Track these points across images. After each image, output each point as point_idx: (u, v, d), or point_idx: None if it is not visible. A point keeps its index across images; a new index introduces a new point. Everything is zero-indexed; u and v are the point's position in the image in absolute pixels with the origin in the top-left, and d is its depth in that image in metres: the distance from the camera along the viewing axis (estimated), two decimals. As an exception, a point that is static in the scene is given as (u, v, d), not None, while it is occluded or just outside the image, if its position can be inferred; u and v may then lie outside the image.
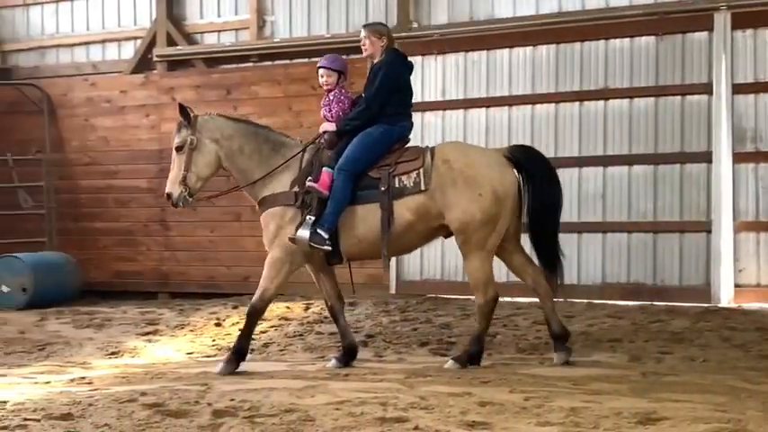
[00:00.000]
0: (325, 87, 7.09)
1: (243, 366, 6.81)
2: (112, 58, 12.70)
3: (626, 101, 9.60)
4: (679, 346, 7.38)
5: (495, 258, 6.88)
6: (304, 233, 6.65)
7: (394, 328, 8.47)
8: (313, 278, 7.26)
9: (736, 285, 9.10)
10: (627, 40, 9.61)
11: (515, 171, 6.85)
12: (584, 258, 9.71)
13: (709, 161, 9.22)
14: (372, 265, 10.11)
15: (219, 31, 12.02)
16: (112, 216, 12.16)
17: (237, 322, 8.77)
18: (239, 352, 6.83)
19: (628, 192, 9.58)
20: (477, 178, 6.69)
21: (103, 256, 12.25)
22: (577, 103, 9.81)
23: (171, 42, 12.08)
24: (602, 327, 8.19)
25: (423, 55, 10.45)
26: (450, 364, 6.74)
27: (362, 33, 7.05)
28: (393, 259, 10.29)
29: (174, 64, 12.19)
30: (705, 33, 9.27)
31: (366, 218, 6.75)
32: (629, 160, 9.57)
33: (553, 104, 9.93)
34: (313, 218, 6.67)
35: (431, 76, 10.49)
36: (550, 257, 6.91)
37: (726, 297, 9.06)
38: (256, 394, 5.59)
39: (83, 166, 12.42)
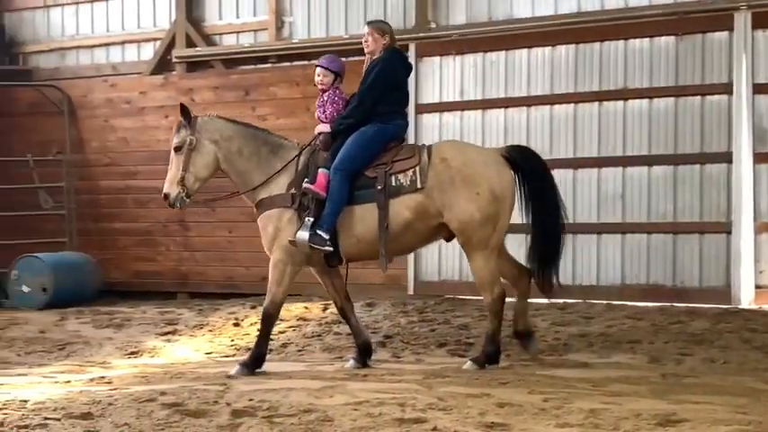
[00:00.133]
0: (319, 87, 7.10)
1: (261, 366, 6.82)
2: (132, 59, 12.76)
3: (645, 101, 9.55)
4: (699, 347, 7.33)
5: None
6: (303, 235, 6.66)
7: (412, 329, 8.46)
8: (319, 280, 7.24)
9: (757, 287, 9.03)
10: (646, 40, 9.56)
11: (512, 170, 6.84)
12: (603, 259, 9.67)
13: (730, 161, 9.15)
14: (390, 266, 10.09)
15: (238, 32, 12.05)
16: (132, 216, 12.21)
17: (256, 322, 8.78)
18: (258, 357, 6.85)
19: (647, 192, 9.53)
20: (475, 177, 6.68)
21: (123, 256, 12.32)
22: (596, 104, 9.76)
23: (190, 44, 12.13)
24: (621, 328, 8.15)
25: (441, 55, 10.45)
26: (468, 365, 6.73)
27: (366, 30, 7.06)
28: (411, 260, 10.34)
29: (193, 65, 12.24)
30: (725, 33, 9.20)
31: (364, 217, 6.75)
32: (648, 161, 9.52)
33: (572, 105, 9.89)
34: (312, 219, 6.68)
35: (449, 77, 10.47)
36: (547, 257, 6.89)
37: (746, 298, 9.00)
38: (275, 394, 5.61)
39: (102, 167, 12.49)
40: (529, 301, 7.23)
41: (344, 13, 11.18)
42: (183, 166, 6.93)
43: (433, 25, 10.66)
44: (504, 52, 10.19)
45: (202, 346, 8.56)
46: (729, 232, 9.11)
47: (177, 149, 6.97)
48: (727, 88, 9.16)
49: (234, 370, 6.74)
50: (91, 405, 5.32)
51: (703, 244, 9.27)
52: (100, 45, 12.93)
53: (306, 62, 11.39)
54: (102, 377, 6.74)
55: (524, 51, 10.10)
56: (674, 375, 6.42)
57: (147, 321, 9.75)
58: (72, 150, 12.56)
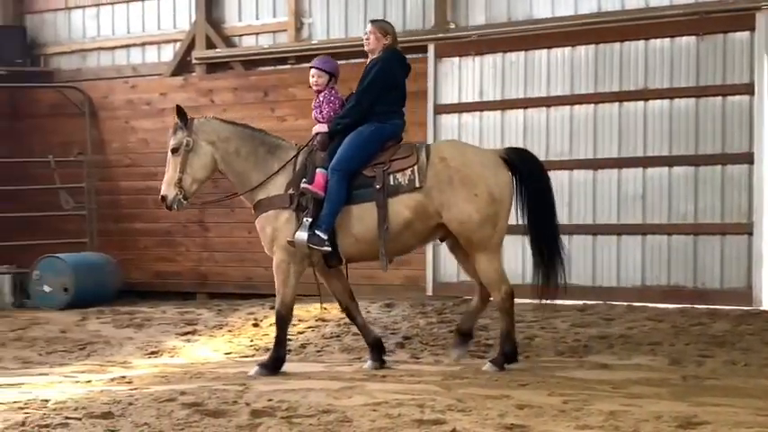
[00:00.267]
0: (314, 88, 7.12)
1: (281, 369, 6.83)
2: (152, 60, 12.83)
3: (666, 101, 9.50)
4: (720, 349, 7.29)
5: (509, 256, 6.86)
6: (302, 235, 6.65)
7: (431, 330, 8.45)
8: (322, 280, 7.22)
9: (779, 288, 8.97)
10: (667, 40, 9.50)
11: (510, 172, 6.83)
12: (623, 261, 9.63)
13: (751, 162, 9.08)
14: (409, 267, 10.13)
15: (257, 33, 12.09)
16: (152, 217, 12.27)
17: (275, 323, 8.80)
18: (277, 359, 6.86)
19: (668, 193, 9.47)
20: (473, 178, 6.68)
21: (144, 256, 12.38)
22: (617, 104, 9.72)
23: (210, 45, 12.18)
24: (642, 330, 8.11)
25: (460, 56, 10.43)
26: (487, 366, 6.72)
27: (368, 28, 7.06)
28: (429, 261, 10.33)
29: (213, 66, 12.29)
30: (747, 33, 9.13)
31: (363, 217, 6.73)
32: (669, 161, 9.46)
33: (592, 105, 9.84)
34: (310, 219, 6.67)
35: (468, 77, 10.46)
36: (547, 259, 6.87)
37: (768, 300, 8.94)
38: (294, 395, 5.62)
39: (123, 168, 12.56)
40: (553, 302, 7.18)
41: (364, 14, 11.17)
42: (180, 167, 6.91)
43: (453, 26, 10.65)
44: (523, 52, 10.16)
45: (222, 346, 8.58)
46: (751, 233, 9.05)
47: (174, 151, 6.96)
48: (748, 88, 9.10)
49: (253, 371, 6.76)
50: (111, 405, 5.35)
51: (724, 245, 9.20)
52: (120, 46, 13.01)
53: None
54: (123, 377, 6.78)
55: (544, 52, 10.07)
56: (694, 377, 6.38)
57: (166, 321, 9.80)
58: (93, 151, 12.63)
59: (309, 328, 8.97)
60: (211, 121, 7.15)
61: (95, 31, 13.19)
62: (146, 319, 9.92)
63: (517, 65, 10.21)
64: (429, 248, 10.09)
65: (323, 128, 6.94)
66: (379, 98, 6.83)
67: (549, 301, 7.01)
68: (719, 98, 9.26)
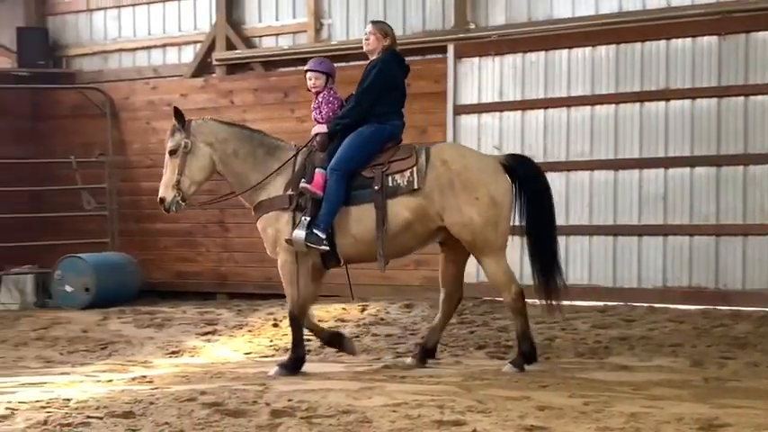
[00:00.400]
0: (313, 90, 7.12)
1: (301, 369, 6.85)
2: (173, 62, 12.89)
3: (688, 101, 9.44)
4: (742, 351, 7.23)
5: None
6: (300, 234, 6.66)
7: (451, 331, 8.42)
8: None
9: (802, 289, 8.90)
10: (689, 39, 9.44)
11: (509, 178, 6.84)
12: (644, 261, 9.58)
13: (774, 162, 9.03)
14: (428, 267, 10.10)
15: (277, 34, 12.12)
16: (173, 217, 12.13)
17: (289, 324, 8.82)
18: (297, 360, 6.87)
19: (690, 194, 9.41)
20: (474, 182, 6.68)
21: (164, 256, 12.44)
22: (638, 104, 9.67)
23: (230, 46, 12.22)
24: (663, 331, 8.06)
25: (480, 56, 10.41)
26: (507, 368, 6.70)
27: (368, 29, 7.06)
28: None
29: (233, 67, 12.33)
30: (769, 32, 9.08)
31: (361, 217, 6.73)
32: (691, 162, 9.41)
33: (613, 105, 9.80)
34: (308, 218, 6.67)
35: (488, 78, 10.43)
36: (547, 260, 6.85)
37: (791, 301, 8.86)
38: (314, 395, 5.62)
39: (144, 169, 12.61)
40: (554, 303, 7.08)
41: (383, 15, 11.16)
42: (178, 169, 6.91)
43: (473, 26, 10.63)
44: (543, 53, 10.13)
45: (242, 346, 8.61)
46: (774, 234, 8.99)
47: (172, 153, 6.95)
48: (770, 88, 9.03)
49: (273, 371, 6.77)
50: (132, 404, 5.37)
51: (746, 246, 9.14)
52: (141, 48, 13.08)
53: (345, 64, 11.38)
54: (144, 376, 6.81)
55: (565, 52, 10.03)
56: (716, 379, 6.34)
57: (187, 321, 9.84)
58: (114, 152, 12.71)
59: (329, 328, 8.95)
60: (209, 123, 7.14)
61: (117, 32, 13.27)
62: (166, 319, 9.96)
63: (537, 65, 10.18)
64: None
65: (322, 128, 6.95)
66: (378, 99, 6.83)
67: (552, 303, 6.92)
68: (741, 98, 9.19)
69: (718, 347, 7.36)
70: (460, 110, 10.52)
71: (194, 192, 7.06)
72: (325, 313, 9.56)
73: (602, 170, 9.83)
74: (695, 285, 9.36)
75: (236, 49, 12.19)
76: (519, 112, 10.26)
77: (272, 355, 8.04)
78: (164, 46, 12.93)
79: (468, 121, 10.50)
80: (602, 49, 9.85)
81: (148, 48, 13.04)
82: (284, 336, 8.75)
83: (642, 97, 9.64)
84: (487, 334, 8.32)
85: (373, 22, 7.19)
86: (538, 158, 10.05)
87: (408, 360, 7.07)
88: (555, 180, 9.99)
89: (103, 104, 12.78)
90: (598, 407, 5.23)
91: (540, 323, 8.59)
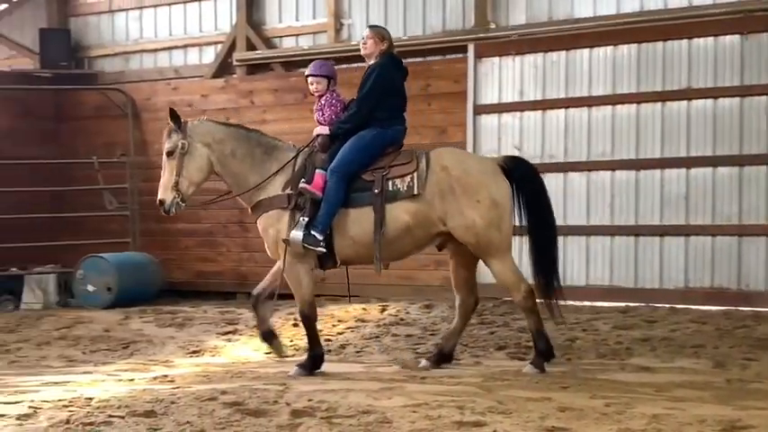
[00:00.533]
0: (315, 94, 7.13)
1: (320, 367, 6.86)
2: (194, 62, 12.94)
3: (710, 101, 9.38)
4: (765, 352, 7.17)
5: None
6: (297, 234, 6.66)
7: (470, 332, 8.41)
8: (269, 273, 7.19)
9: (825, 290, 8.82)
10: (711, 39, 9.38)
11: (507, 179, 6.83)
12: (666, 262, 9.52)
13: (797, 162, 8.96)
14: (447, 268, 10.06)
15: (297, 35, 12.14)
16: (193, 217, 12.37)
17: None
18: (314, 358, 6.88)
19: (712, 194, 9.36)
20: (474, 185, 6.69)
21: (185, 256, 12.50)
22: (660, 104, 9.62)
23: (250, 47, 12.25)
24: (685, 332, 8.02)
25: (500, 56, 10.39)
26: (528, 368, 6.68)
27: (366, 33, 7.08)
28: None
29: (254, 68, 12.36)
30: (792, 31, 9.00)
31: (360, 220, 6.73)
32: (713, 162, 9.34)
33: (634, 105, 9.75)
34: (307, 219, 6.67)
35: (508, 77, 10.41)
36: (548, 260, 6.84)
37: (814, 302, 8.78)
38: (334, 395, 5.63)
39: (165, 169, 12.66)
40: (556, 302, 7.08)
41: (403, 15, 11.17)
42: (176, 170, 6.91)
43: (493, 25, 10.60)
44: (564, 52, 10.10)
45: (262, 346, 8.61)
46: (797, 235, 8.91)
47: (169, 154, 6.95)
48: (794, 87, 8.96)
49: (293, 371, 6.79)
50: (154, 403, 5.40)
51: (770, 247, 9.07)
52: (163, 49, 13.14)
53: (364, 64, 11.41)
54: (165, 376, 6.84)
55: (586, 51, 10.00)
56: (739, 381, 6.29)
57: (208, 321, 9.87)
58: (135, 152, 12.77)
59: (349, 328, 8.99)
60: (205, 123, 7.14)
61: (138, 33, 13.34)
62: (187, 319, 10.00)
63: (558, 64, 10.14)
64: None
65: (324, 129, 6.96)
66: (378, 104, 6.84)
67: (551, 303, 6.90)
68: (764, 97, 9.13)
69: (741, 349, 7.31)
70: (480, 110, 10.50)
71: (193, 192, 7.07)
72: (345, 313, 9.57)
73: (623, 170, 9.79)
74: (717, 286, 9.30)
75: (256, 49, 12.22)
76: (539, 112, 10.23)
77: (293, 355, 8.04)
78: (185, 47, 12.99)
79: (488, 120, 10.47)
80: (623, 49, 9.80)
81: (170, 48, 13.10)
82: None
83: (664, 97, 9.59)
84: (508, 335, 8.30)
85: (370, 27, 7.22)
86: (558, 158, 10.11)
87: (423, 362, 7.05)
88: (575, 180, 10.02)
89: (125, 105, 12.85)
90: (619, 408, 5.20)
91: (560, 324, 8.57)
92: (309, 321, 6.97)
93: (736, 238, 9.23)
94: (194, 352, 8.41)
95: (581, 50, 10.02)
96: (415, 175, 6.70)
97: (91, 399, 5.65)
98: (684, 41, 9.50)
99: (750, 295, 9.08)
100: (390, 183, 6.72)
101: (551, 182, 10.04)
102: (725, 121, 9.30)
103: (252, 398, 5.55)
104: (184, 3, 12.91)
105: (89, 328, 9.68)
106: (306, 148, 7.02)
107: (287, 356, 7.63)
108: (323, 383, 6.20)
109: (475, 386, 6.03)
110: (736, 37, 9.26)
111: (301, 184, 6.76)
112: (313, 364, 6.84)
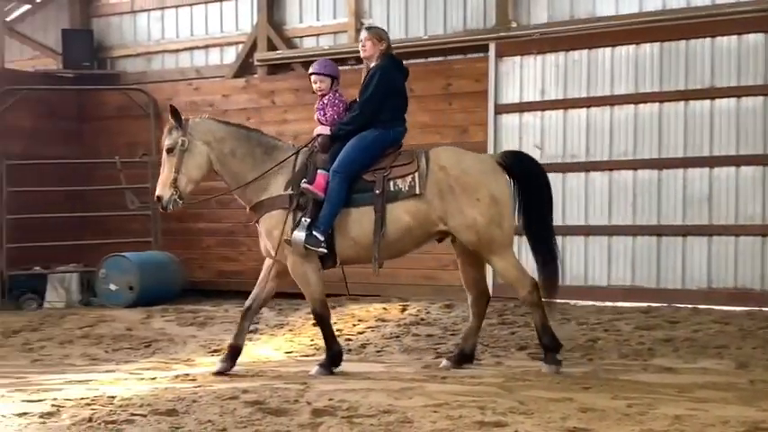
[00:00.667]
0: (318, 93, 7.12)
1: (340, 367, 6.86)
2: (215, 63, 12.99)
3: (733, 100, 9.31)
4: (789, 353, 7.12)
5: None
6: (300, 235, 6.66)
7: (491, 332, 8.40)
8: (263, 274, 7.15)
9: None
10: (734, 37, 9.32)
11: (507, 176, 6.82)
12: (689, 262, 9.46)
13: (822, 162, 8.87)
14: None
15: (318, 34, 12.16)
16: (215, 217, 12.42)
17: (335, 322, 8.84)
18: (333, 356, 6.89)
19: (735, 194, 9.29)
20: (473, 184, 6.69)
21: (207, 255, 12.55)
22: (682, 103, 9.56)
23: (271, 47, 12.28)
24: (708, 333, 7.96)
25: (521, 55, 10.36)
26: (545, 368, 6.66)
27: (364, 35, 7.07)
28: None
29: (275, 68, 12.39)
30: (817, 29, 8.92)
31: (361, 221, 6.73)
32: (736, 161, 9.28)
33: (657, 104, 9.70)
34: (309, 220, 6.67)
35: (529, 76, 10.38)
36: (546, 259, 6.80)
37: (840, 303, 8.70)
38: (354, 394, 5.63)
39: (186, 168, 12.70)
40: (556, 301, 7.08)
41: (424, 14, 11.16)
42: (175, 167, 6.90)
43: (514, 24, 10.57)
44: (586, 51, 10.06)
45: (283, 345, 8.64)
46: (822, 235, 8.83)
47: (169, 151, 6.94)
48: (818, 86, 8.88)
49: (314, 370, 6.79)
50: (176, 402, 5.42)
51: (794, 247, 9.00)
52: (184, 49, 13.21)
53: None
54: (187, 374, 6.87)
55: (608, 50, 9.95)
56: (762, 382, 6.23)
57: (229, 320, 9.89)
58: (157, 152, 12.79)
59: (369, 328, 8.98)
60: (206, 121, 7.14)
61: (160, 33, 13.41)
62: (209, 318, 10.04)
63: (580, 63, 10.10)
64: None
65: (325, 130, 6.96)
66: (381, 106, 6.84)
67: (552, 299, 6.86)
68: (789, 96, 9.06)
69: (764, 349, 7.25)
70: (502, 109, 10.48)
71: (191, 190, 7.04)
72: (365, 313, 9.58)
73: (645, 170, 9.74)
74: (741, 287, 9.23)
75: (277, 49, 12.25)
76: (561, 111, 10.20)
77: (313, 354, 8.06)
78: (206, 47, 13.04)
79: (509, 120, 10.45)
80: (645, 47, 9.75)
81: (191, 49, 13.17)
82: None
83: (687, 96, 9.53)
84: (529, 335, 8.25)
85: (367, 28, 7.22)
86: (580, 158, 10.07)
87: (444, 362, 7.05)
88: (597, 179, 9.98)
89: (147, 105, 12.91)
90: (642, 409, 5.17)
91: (582, 324, 8.54)
92: (323, 319, 6.98)
93: (760, 239, 9.16)
94: (215, 351, 8.42)
95: (603, 49, 9.98)
96: (417, 174, 6.72)
97: (113, 397, 5.68)
98: (708, 40, 9.43)
99: (774, 296, 9.01)
100: (392, 183, 6.74)
101: (573, 181, 10.07)
102: (748, 121, 9.23)
103: (273, 397, 5.56)
104: (206, 3, 12.97)
105: (111, 326, 9.73)
106: (305, 148, 7.03)
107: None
108: (343, 383, 6.20)
109: (496, 386, 6.01)
110: (760, 35, 9.19)
111: (303, 185, 6.77)
112: (332, 361, 6.85)
